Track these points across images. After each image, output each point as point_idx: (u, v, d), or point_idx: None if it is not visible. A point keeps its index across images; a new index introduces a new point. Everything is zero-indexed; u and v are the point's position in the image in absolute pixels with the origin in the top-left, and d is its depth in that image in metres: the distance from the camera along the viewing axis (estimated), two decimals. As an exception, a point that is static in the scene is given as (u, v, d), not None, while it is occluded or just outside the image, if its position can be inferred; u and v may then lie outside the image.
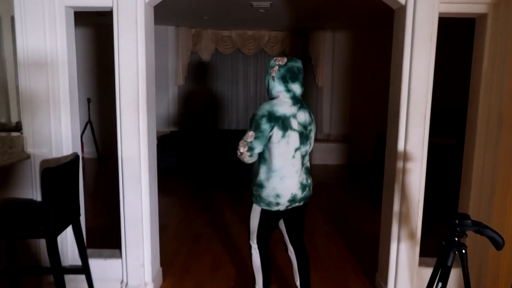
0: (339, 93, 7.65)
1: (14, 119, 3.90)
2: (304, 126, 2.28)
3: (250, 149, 2.18)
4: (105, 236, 3.63)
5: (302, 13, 6.00)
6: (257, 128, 2.17)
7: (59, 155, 2.64)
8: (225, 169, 6.55)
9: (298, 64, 2.34)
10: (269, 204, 2.26)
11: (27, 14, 2.50)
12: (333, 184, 6.08)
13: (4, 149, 2.66)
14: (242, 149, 2.19)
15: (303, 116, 2.29)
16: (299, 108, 2.28)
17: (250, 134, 2.18)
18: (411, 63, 2.47)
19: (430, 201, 2.95)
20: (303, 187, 2.29)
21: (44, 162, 2.60)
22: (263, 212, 2.31)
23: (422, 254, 2.67)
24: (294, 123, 2.21)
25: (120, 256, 2.77)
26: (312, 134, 2.38)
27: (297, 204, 2.32)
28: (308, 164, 2.38)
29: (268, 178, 2.23)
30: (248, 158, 2.21)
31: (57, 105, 2.61)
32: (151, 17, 2.72)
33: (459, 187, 2.78)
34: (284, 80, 2.27)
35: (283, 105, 2.22)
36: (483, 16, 2.49)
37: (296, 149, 2.23)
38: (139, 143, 2.60)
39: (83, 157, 7.39)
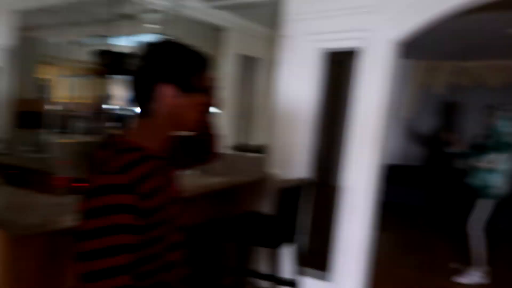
0: None
1: (253, 141, 4.70)
2: None
3: None
4: (318, 257, 3.88)
5: None
6: None
7: (294, 177, 3.04)
8: (444, 209, 5.96)
9: None
10: None
11: (288, 55, 3.03)
12: None
13: (250, 167, 3.27)
14: None
15: None
16: None
17: None
18: None
19: None
20: None
21: (279, 182, 3.01)
22: None
23: None
24: None
25: (331, 280, 2.93)
26: None
27: None
28: None
29: None
30: None
31: (300, 135, 3.04)
32: (396, 55, 2.81)
33: None
34: None
35: None
36: None
37: None
38: (364, 176, 2.74)
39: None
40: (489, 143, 3.51)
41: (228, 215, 2.97)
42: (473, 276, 3.58)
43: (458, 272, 3.71)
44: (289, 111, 3.05)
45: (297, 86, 3.01)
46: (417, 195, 6.16)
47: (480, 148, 3.58)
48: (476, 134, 3.89)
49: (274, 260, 2.57)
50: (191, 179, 2.68)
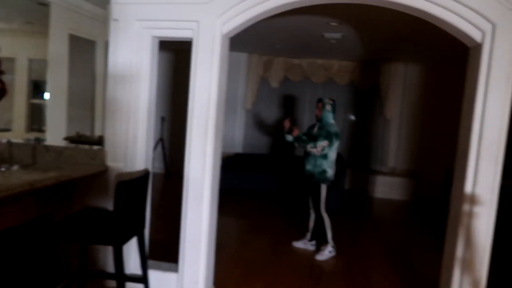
0: (407, 126, 7.40)
1: (97, 133, 4.32)
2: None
3: None
4: (166, 249, 3.81)
5: (374, 45, 5.98)
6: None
7: (132, 169, 2.88)
8: (284, 193, 6.59)
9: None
10: None
11: (119, 40, 2.82)
12: (395, 221, 5.82)
13: (87, 160, 2.96)
14: None
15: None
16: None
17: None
18: (485, 103, 2.38)
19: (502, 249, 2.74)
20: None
21: (119, 175, 2.84)
22: None
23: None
24: None
25: (177, 270, 2.91)
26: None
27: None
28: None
29: None
30: None
31: (136, 123, 2.87)
32: (227, 47, 2.91)
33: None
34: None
35: None
36: None
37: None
38: (204, 165, 2.75)
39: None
40: (321, 133, 3.91)
41: (64, 213, 2.64)
42: (329, 252, 4.03)
43: (317, 250, 4.12)
44: (124, 100, 2.85)
45: (130, 74, 2.83)
46: (270, 182, 6.59)
47: (314, 137, 3.96)
48: (311, 124, 4.31)
49: (119, 257, 2.38)
50: (9, 176, 2.27)
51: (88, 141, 3.77)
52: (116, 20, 2.81)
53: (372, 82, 7.53)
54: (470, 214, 2.41)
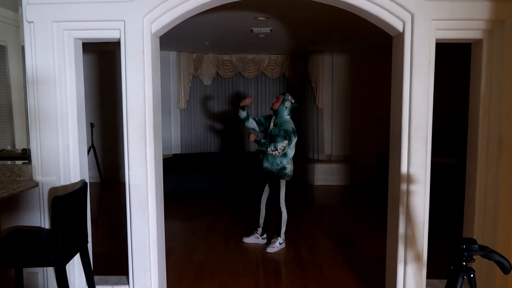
0: (339, 114, 7.74)
1: (19, 146, 3.95)
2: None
3: None
4: (111, 262, 3.62)
5: (301, 38, 6.14)
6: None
7: (67, 182, 2.68)
8: (228, 191, 6.57)
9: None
10: None
11: (37, 44, 2.58)
12: (336, 205, 6.08)
13: (13, 177, 2.70)
14: None
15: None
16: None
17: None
18: (411, 88, 2.54)
19: (433, 220, 2.97)
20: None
21: (52, 190, 2.63)
22: None
23: (429, 275, 2.67)
24: None
25: (127, 282, 2.77)
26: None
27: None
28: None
29: None
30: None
31: (66, 132, 2.66)
32: (157, 46, 2.81)
33: (463, 205, 2.81)
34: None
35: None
36: (478, 42, 2.58)
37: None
38: (146, 170, 2.64)
39: (85, 182, 7.41)
40: (279, 133, 3.88)
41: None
42: (279, 244, 4.08)
43: (268, 244, 4.15)
44: (50, 108, 2.62)
45: (54, 80, 2.61)
46: (213, 181, 6.51)
47: (274, 138, 3.92)
48: (267, 114, 4.28)
49: (63, 278, 2.21)
50: None
51: (9, 156, 3.44)
52: (31, 22, 2.57)
53: (302, 74, 7.75)
54: (408, 193, 2.58)
